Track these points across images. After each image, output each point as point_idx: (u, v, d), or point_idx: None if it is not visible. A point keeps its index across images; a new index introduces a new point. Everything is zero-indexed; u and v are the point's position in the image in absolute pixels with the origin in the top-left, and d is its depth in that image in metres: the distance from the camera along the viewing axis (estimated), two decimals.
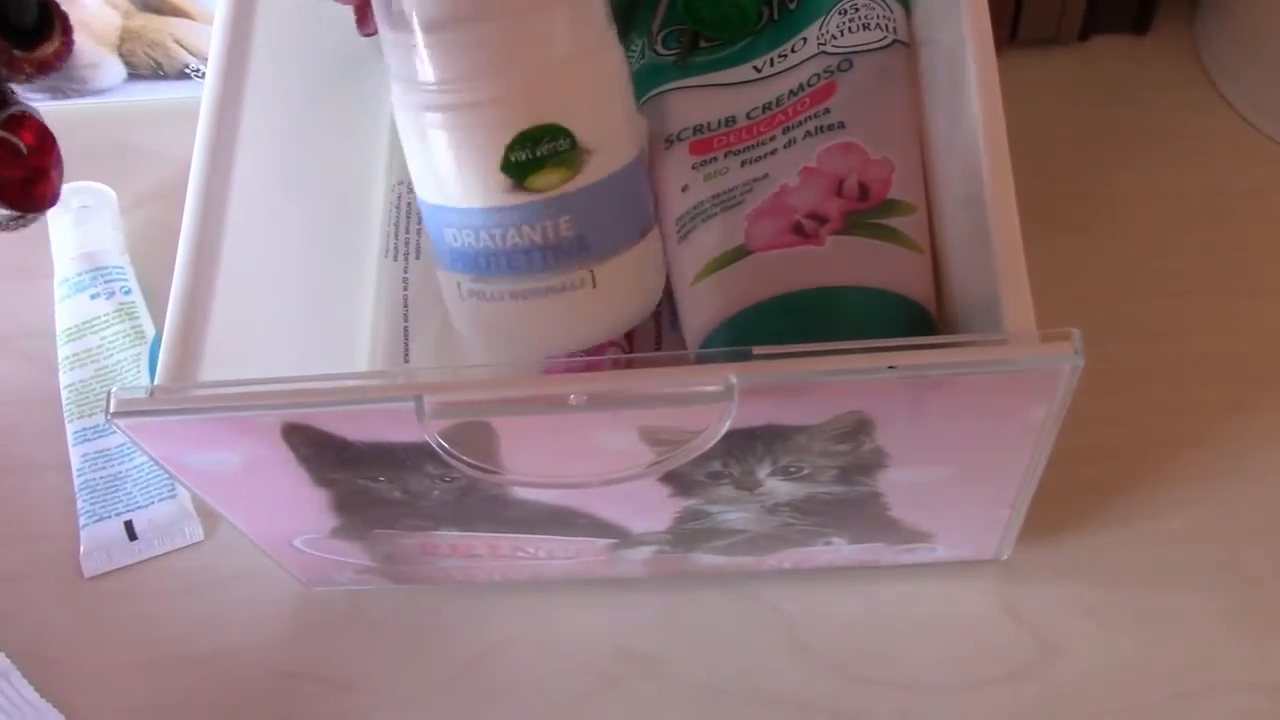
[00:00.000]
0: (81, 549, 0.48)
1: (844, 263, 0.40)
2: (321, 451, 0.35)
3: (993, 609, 0.44)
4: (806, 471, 0.37)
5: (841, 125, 0.42)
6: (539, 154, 0.35)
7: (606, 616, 0.45)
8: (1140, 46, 0.54)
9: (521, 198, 0.36)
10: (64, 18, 0.35)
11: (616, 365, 0.43)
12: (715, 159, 0.44)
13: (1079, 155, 0.52)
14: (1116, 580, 0.44)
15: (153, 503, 0.48)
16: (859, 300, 0.39)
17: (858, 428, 0.34)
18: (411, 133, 0.37)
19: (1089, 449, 0.44)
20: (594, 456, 0.35)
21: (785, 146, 0.43)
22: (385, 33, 0.36)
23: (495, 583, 0.46)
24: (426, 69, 0.36)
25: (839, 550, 0.43)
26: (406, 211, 0.49)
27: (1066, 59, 0.54)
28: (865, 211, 0.40)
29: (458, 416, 0.33)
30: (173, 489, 0.48)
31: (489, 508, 0.39)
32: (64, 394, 0.50)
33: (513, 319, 0.38)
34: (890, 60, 0.44)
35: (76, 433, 0.50)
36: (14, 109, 0.34)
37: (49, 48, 0.34)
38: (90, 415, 0.50)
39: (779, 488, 0.38)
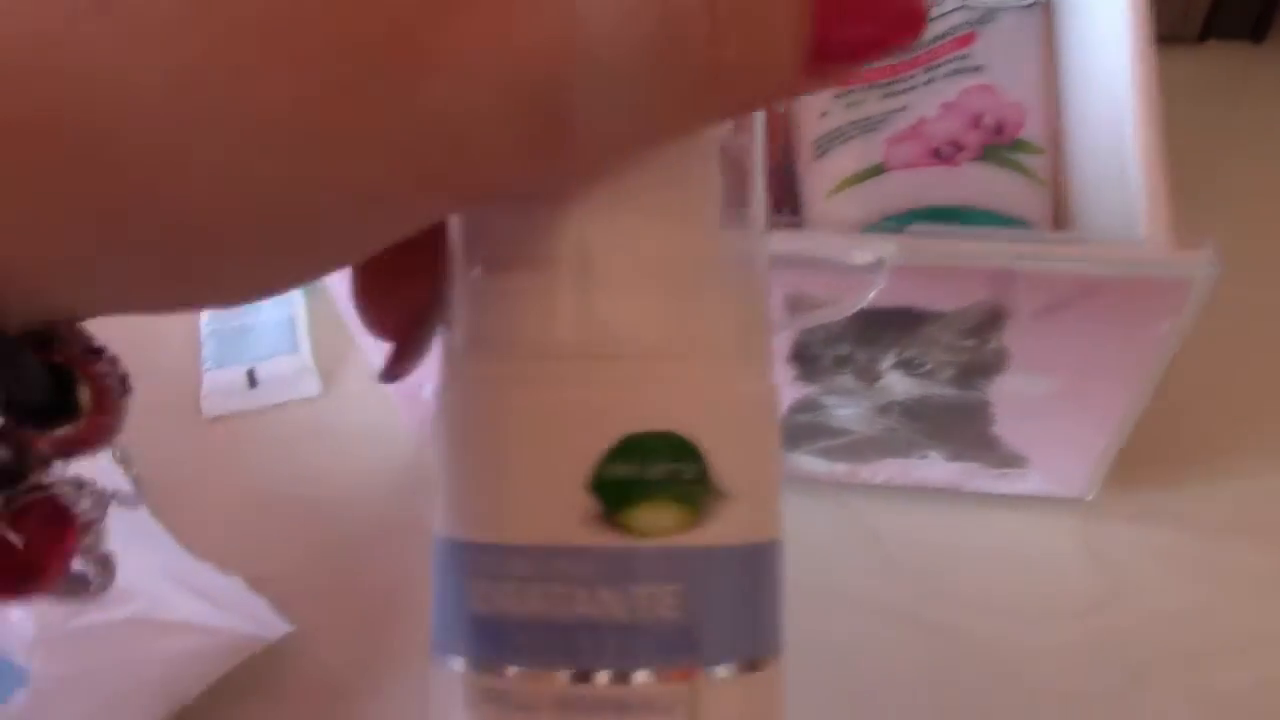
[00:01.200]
0: (203, 390, 0.50)
1: (977, 185, 0.42)
2: None
3: (1072, 546, 0.46)
4: (928, 367, 0.39)
5: (979, 69, 0.45)
6: (652, 475, 0.22)
7: None
8: (1257, 53, 0.56)
9: (611, 539, 0.22)
10: (102, 389, 0.24)
11: None
12: (854, 91, 0.46)
13: (1191, 151, 0.54)
14: (1196, 531, 0.46)
15: (275, 355, 0.51)
16: (987, 220, 0.42)
17: (988, 321, 0.37)
18: (456, 420, 0.23)
19: (1184, 407, 0.46)
20: None
21: (925, 84, 0.45)
22: (459, 276, 0.23)
23: None
24: (497, 323, 0.22)
25: (934, 466, 0.45)
26: None
27: (1184, 58, 0.56)
28: (1000, 146, 0.43)
29: None
30: (295, 344, 0.51)
31: None
32: None
33: None
34: (1029, 16, 0.46)
35: None
36: (27, 491, 0.24)
37: (73, 428, 0.23)
38: None
39: (896, 383, 0.40)
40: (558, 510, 0.21)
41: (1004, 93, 0.44)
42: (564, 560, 0.21)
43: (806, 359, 0.39)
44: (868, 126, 0.45)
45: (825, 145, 0.45)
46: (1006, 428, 0.42)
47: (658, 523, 0.22)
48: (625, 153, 0.20)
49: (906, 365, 0.39)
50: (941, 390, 0.40)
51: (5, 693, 0.41)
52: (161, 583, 0.45)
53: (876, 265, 0.34)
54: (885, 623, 0.45)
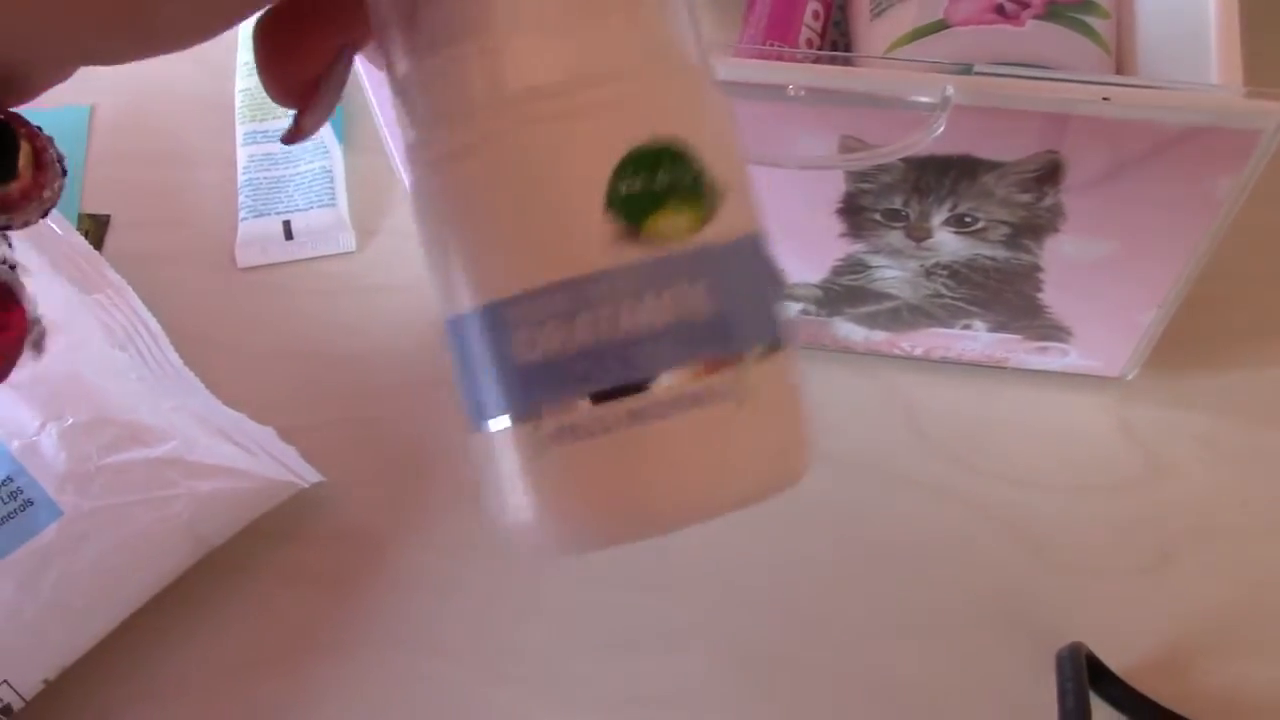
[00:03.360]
0: (238, 240, 0.50)
1: (1040, 43, 0.41)
2: None
3: (1108, 424, 0.46)
4: (980, 225, 0.38)
5: None
6: (660, 184, 0.23)
7: None
8: None
9: (641, 252, 0.22)
10: (40, 152, 0.24)
11: (818, 61, 0.40)
12: None
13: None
14: (1233, 415, 0.46)
15: (312, 207, 0.50)
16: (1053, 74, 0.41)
17: (1047, 173, 0.36)
18: (443, 201, 0.23)
19: (1225, 293, 0.46)
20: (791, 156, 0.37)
21: None
22: (401, 65, 0.24)
23: None
24: (470, 95, 0.23)
25: (975, 338, 0.44)
26: None
27: None
28: (1066, 4, 0.42)
29: None
30: (332, 197, 0.50)
31: None
32: (238, 98, 0.52)
33: (629, 462, 0.23)
34: None
35: (246, 134, 0.51)
36: None
37: (11, 186, 0.24)
38: (261, 120, 0.52)
39: (946, 242, 0.39)
40: (583, 239, 0.22)
41: None
42: (602, 283, 0.22)
43: (855, 212, 0.38)
44: None
45: (884, 3, 0.44)
46: (1054, 295, 0.41)
47: (677, 226, 0.23)
48: None
49: (958, 222, 0.38)
50: (991, 251, 0.39)
51: (38, 526, 0.41)
52: (195, 427, 0.45)
53: (939, 105, 0.34)
54: (917, 494, 0.45)
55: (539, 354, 0.22)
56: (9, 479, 0.42)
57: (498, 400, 0.23)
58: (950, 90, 0.33)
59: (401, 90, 0.24)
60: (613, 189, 0.22)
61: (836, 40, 0.47)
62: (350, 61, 0.24)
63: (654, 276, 0.22)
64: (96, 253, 0.49)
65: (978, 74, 0.33)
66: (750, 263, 0.24)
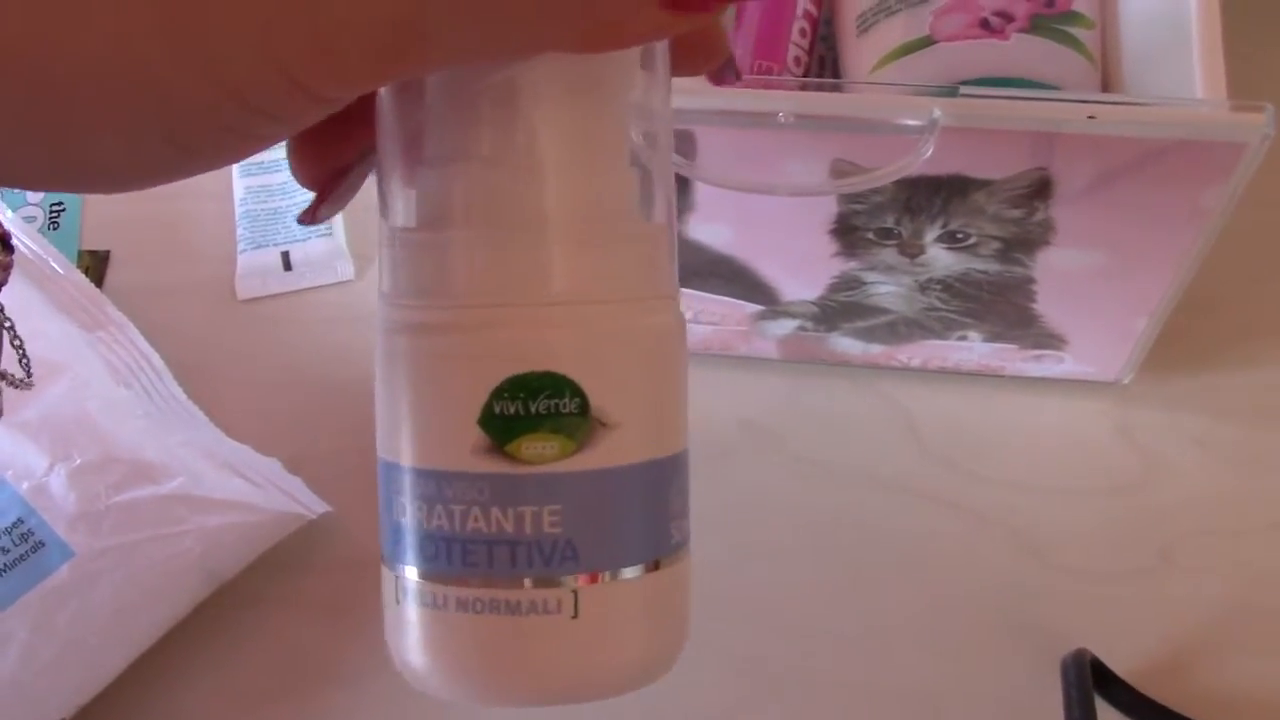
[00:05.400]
0: (237, 273, 0.50)
1: (1026, 58, 0.41)
2: None
3: (1105, 428, 0.46)
4: (972, 241, 0.39)
5: None
6: (534, 411, 0.25)
7: (734, 390, 0.47)
8: None
9: (497, 466, 0.25)
10: None
11: (806, 88, 0.42)
12: None
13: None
14: (1229, 417, 0.46)
15: (310, 238, 0.50)
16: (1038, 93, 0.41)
17: (1036, 189, 0.36)
18: (382, 359, 0.27)
19: (1220, 295, 0.46)
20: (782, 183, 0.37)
21: None
22: (386, 221, 0.27)
23: None
24: (410, 275, 0.26)
25: (970, 349, 0.45)
26: None
27: None
28: (1050, 16, 0.42)
29: None
30: (330, 227, 0.51)
31: None
32: None
33: (456, 641, 0.26)
34: None
35: (243, 167, 0.52)
36: None
37: None
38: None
39: (939, 257, 0.40)
40: (454, 441, 0.25)
41: None
42: (461, 484, 0.25)
43: (849, 231, 0.39)
44: None
45: (869, 20, 0.44)
46: (1048, 305, 0.42)
47: (540, 453, 0.25)
48: (472, 61, 0.23)
49: (950, 238, 0.39)
50: (984, 265, 0.40)
51: (50, 567, 0.41)
52: (201, 461, 0.45)
53: (927, 128, 0.34)
54: (918, 503, 0.45)
55: (408, 521, 0.26)
56: (20, 521, 0.42)
57: (384, 541, 0.27)
58: (938, 113, 0.34)
59: (385, 238, 0.26)
60: (488, 406, 0.25)
61: (824, 55, 0.47)
62: (373, 160, 0.26)
63: (507, 492, 0.25)
64: (97, 290, 0.49)
65: (964, 96, 0.34)
66: (625, 490, 0.26)
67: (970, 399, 0.47)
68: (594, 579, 0.25)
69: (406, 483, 0.26)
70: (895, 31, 0.44)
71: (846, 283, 0.42)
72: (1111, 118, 0.33)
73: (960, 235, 0.39)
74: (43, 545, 0.42)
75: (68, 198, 0.53)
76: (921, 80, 0.42)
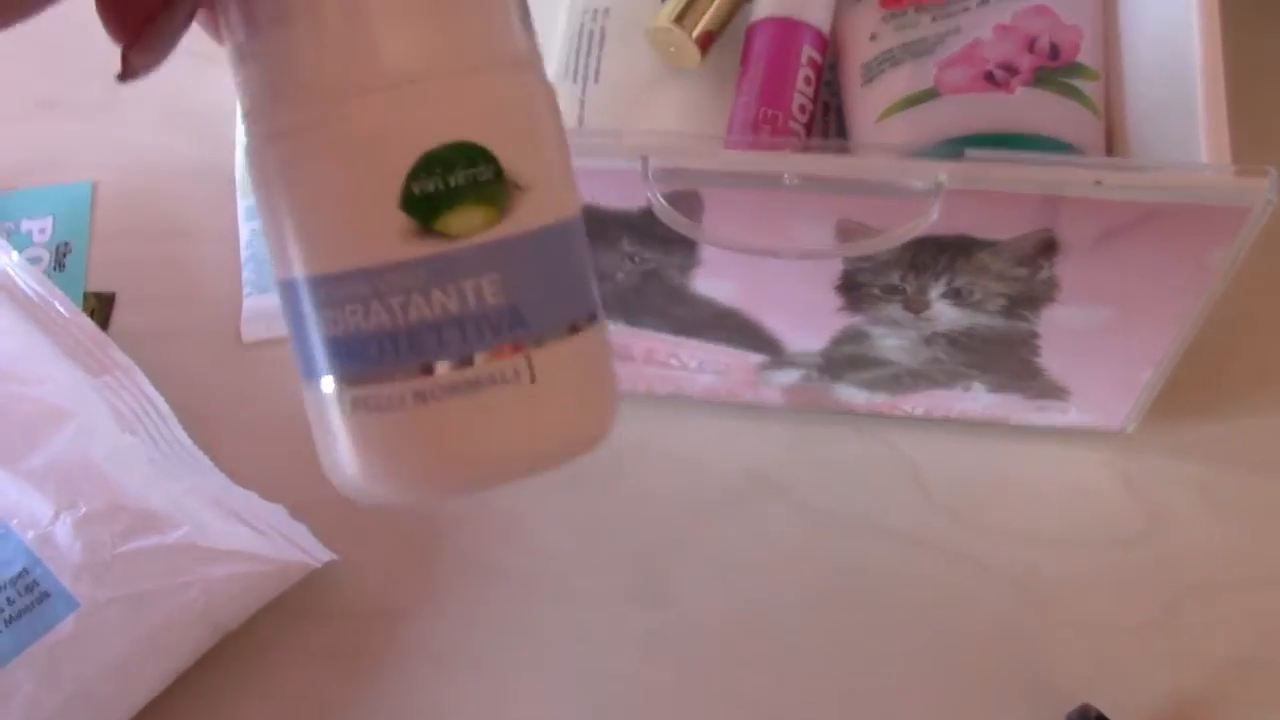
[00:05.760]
0: (243, 315, 0.50)
1: (1031, 111, 0.41)
2: None
3: (1109, 478, 0.46)
4: (977, 297, 0.39)
5: None
6: (453, 184, 0.25)
7: (739, 439, 0.47)
8: None
9: (430, 247, 0.24)
10: None
11: (811, 150, 0.41)
12: (906, 13, 0.46)
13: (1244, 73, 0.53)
14: (1235, 467, 0.46)
15: None
16: (1041, 147, 0.41)
17: (1042, 249, 0.36)
18: (269, 176, 0.25)
19: (1226, 342, 0.46)
20: (789, 243, 0.37)
21: (978, 5, 0.44)
22: (233, 39, 0.26)
23: (638, 395, 0.48)
24: (281, 77, 0.25)
25: (975, 399, 0.45)
26: (590, 38, 0.51)
27: None
28: (1055, 70, 0.42)
29: (675, 182, 0.35)
30: None
31: (662, 302, 0.41)
32: (239, 171, 0.53)
33: (417, 435, 0.25)
34: None
35: (248, 208, 0.52)
36: None
37: None
38: None
39: (944, 313, 0.40)
40: (379, 233, 0.24)
41: (1061, 15, 0.43)
42: (395, 275, 0.24)
43: (854, 288, 0.39)
44: (919, 50, 0.44)
45: (874, 70, 0.44)
46: (1052, 358, 0.42)
47: (468, 224, 0.25)
48: None
49: (955, 295, 0.39)
50: (989, 320, 0.40)
51: (56, 618, 0.41)
52: (206, 509, 0.45)
53: (932, 191, 0.34)
54: (921, 553, 0.45)
55: (341, 330, 0.25)
56: (25, 571, 0.42)
57: (312, 364, 0.26)
58: (943, 176, 0.34)
59: (236, 59, 0.25)
60: (407, 189, 0.24)
61: (828, 101, 0.47)
62: (190, 15, 0.25)
63: (442, 271, 0.25)
64: (103, 334, 0.49)
65: (970, 160, 0.34)
66: (551, 250, 0.26)
67: (974, 448, 0.47)
68: (543, 341, 0.25)
69: (329, 291, 0.25)
70: (900, 82, 0.44)
71: (851, 336, 0.42)
72: (1118, 182, 0.34)
73: (965, 292, 0.39)
74: (48, 596, 0.42)
75: (74, 239, 0.53)
76: (927, 132, 0.42)
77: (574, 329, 0.26)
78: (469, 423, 0.25)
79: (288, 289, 0.26)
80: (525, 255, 0.25)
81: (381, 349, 0.25)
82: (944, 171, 0.34)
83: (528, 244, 0.25)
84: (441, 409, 0.25)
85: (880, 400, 0.46)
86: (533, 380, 0.25)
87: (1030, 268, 0.37)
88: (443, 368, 0.25)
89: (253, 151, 0.25)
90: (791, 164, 0.34)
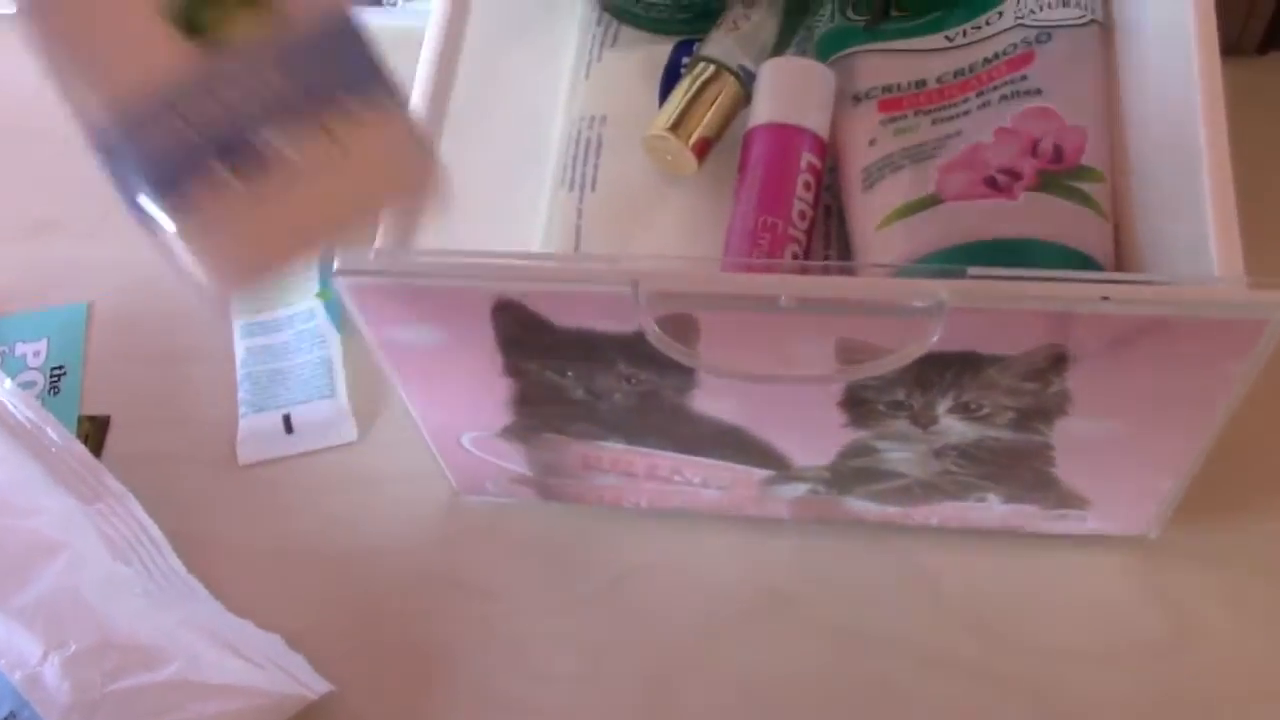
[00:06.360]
0: (239, 437, 0.49)
1: (1036, 217, 0.40)
2: (525, 333, 0.36)
3: (1134, 586, 0.44)
4: (986, 411, 0.37)
5: (1039, 91, 0.43)
6: None
7: (748, 553, 0.46)
8: None
9: (210, 55, 0.27)
10: None
11: (808, 271, 0.42)
12: (905, 116, 0.45)
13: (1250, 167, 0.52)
14: (1262, 574, 0.44)
15: (311, 399, 0.49)
16: (1048, 255, 0.40)
17: (1052, 364, 0.35)
18: (45, 30, 0.28)
19: (1250, 440, 0.44)
20: (788, 365, 0.36)
21: (979, 108, 0.44)
22: None
23: (641, 510, 0.46)
24: None
25: (989, 509, 0.43)
26: (586, 146, 0.50)
27: (1244, 70, 0.54)
28: (1059, 173, 0.41)
29: (669, 307, 0.34)
30: (332, 388, 0.50)
31: (663, 421, 0.40)
32: None
33: (240, 221, 0.29)
34: (1087, 37, 0.44)
35: (243, 327, 0.51)
36: None
37: None
38: (257, 312, 0.51)
39: (953, 427, 0.38)
40: (154, 54, 0.27)
41: (1065, 116, 0.42)
42: (178, 89, 0.27)
43: (859, 404, 0.38)
44: (919, 155, 0.43)
45: (874, 175, 0.44)
46: (1067, 469, 0.40)
47: (240, 28, 0.27)
48: None
49: (964, 410, 0.37)
50: (999, 434, 0.38)
51: None
52: (199, 641, 0.44)
53: (934, 309, 0.33)
54: (940, 669, 0.43)
55: (146, 149, 0.27)
56: (12, 714, 0.41)
57: (127, 187, 0.28)
58: (945, 295, 0.33)
59: None
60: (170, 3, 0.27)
61: (829, 204, 0.46)
62: None
63: (226, 75, 0.27)
64: (96, 461, 0.48)
65: (972, 278, 0.33)
66: (331, 39, 0.29)
67: (992, 557, 0.45)
68: (352, 115, 0.29)
69: (128, 115, 0.27)
70: (901, 187, 0.43)
71: (858, 451, 0.40)
72: (1127, 297, 0.32)
73: (974, 407, 0.37)
74: None
75: (69, 362, 0.52)
76: (929, 240, 0.41)
77: (368, 100, 0.29)
78: (286, 197, 0.28)
79: (89, 130, 0.28)
80: (306, 47, 0.28)
81: (186, 157, 0.27)
82: (946, 290, 0.33)
83: (306, 38, 0.28)
84: (260, 194, 0.28)
85: (892, 511, 0.45)
86: (344, 151, 0.29)
87: (1040, 382, 0.36)
88: (248, 158, 0.28)
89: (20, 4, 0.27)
90: (788, 286, 0.33)
